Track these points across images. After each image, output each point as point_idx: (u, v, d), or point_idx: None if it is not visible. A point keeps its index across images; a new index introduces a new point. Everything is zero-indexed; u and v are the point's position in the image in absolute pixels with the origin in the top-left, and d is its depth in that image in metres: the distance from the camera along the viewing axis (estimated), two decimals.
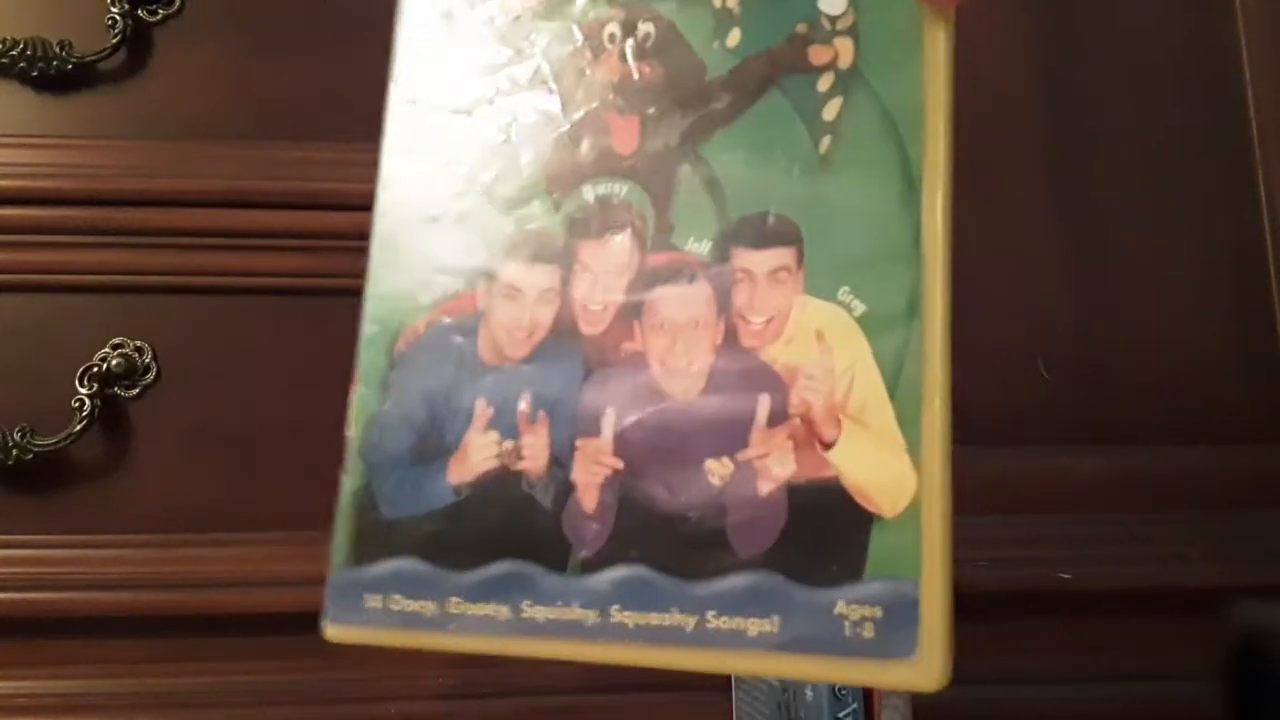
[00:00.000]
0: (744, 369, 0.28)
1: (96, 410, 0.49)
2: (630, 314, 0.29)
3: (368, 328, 0.32)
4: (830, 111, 0.28)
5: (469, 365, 0.31)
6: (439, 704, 0.49)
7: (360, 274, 0.34)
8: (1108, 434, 0.54)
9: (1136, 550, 0.52)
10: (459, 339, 0.31)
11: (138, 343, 0.51)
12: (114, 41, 0.52)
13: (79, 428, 0.49)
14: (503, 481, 0.30)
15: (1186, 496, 0.53)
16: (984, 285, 0.53)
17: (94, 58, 0.52)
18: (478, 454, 0.30)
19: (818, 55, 0.29)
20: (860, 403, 0.26)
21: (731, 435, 0.27)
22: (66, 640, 0.49)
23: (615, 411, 0.29)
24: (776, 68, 0.29)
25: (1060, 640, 0.51)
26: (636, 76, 0.31)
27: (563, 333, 0.30)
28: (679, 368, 0.28)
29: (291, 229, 0.51)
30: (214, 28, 0.54)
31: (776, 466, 0.27)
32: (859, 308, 0.27)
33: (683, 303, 0.29)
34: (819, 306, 0.27)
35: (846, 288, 0.27)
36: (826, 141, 0.28)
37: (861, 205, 0.27)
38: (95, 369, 0.50)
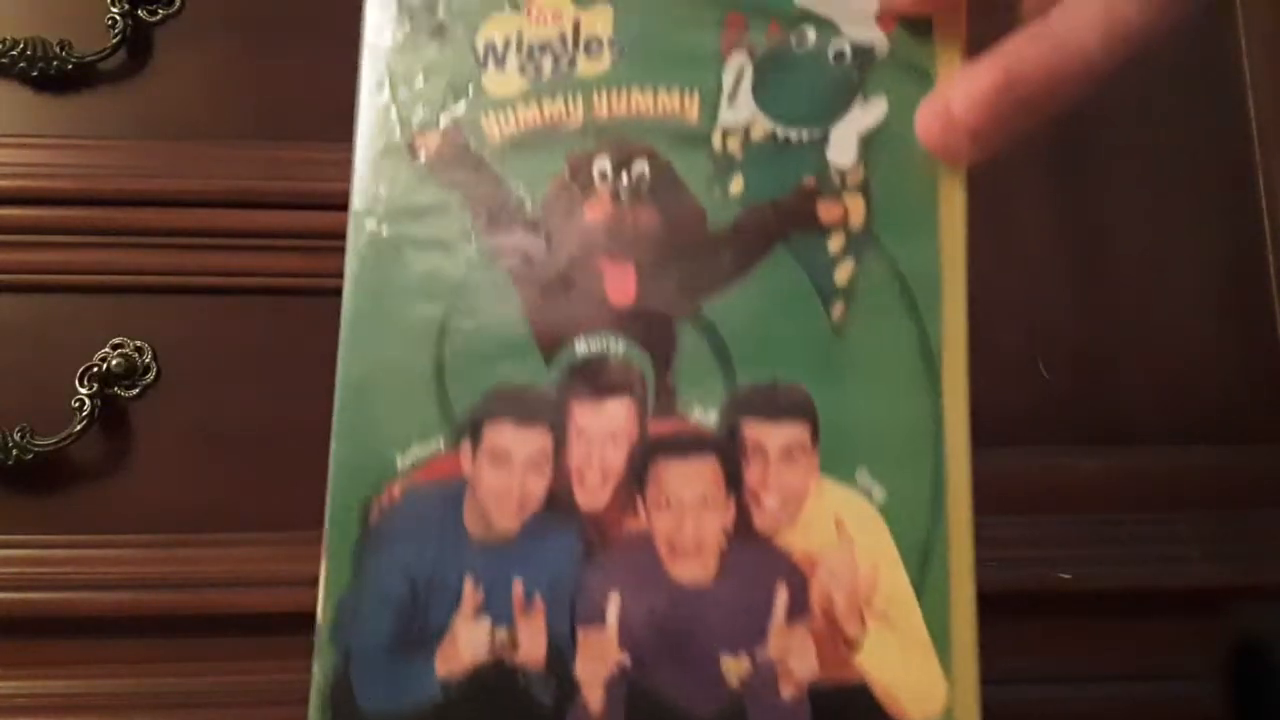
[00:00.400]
0: (759, 556, 0.26)
1: (96, 410, 0.49)
2: (632, 487, 0.27)
3: (334, 495, 0.28)
4: (842, 275, 0.26)
5: (453, 539, 0.27)
6: None
7: None
8: (1108, 434, 0.54)
9: (1136, 550, 0.52)
10: (441, 508, 0.27)
11: (138, 343, 0.51)
12: (114, 41, 0.52)
13: (79, 428, 0.49)
14: (497, 674, 0.26)
15: (1186, 496, 0.53)
16: (984, 285, 0.53)
17: (94, 58, 0.52)
18: (468, 643, 0.27)
19: (827, 212, 0.27)
20: (885, 598, 0.25)
21: (748, 629, 0.25)
22: (66, 640, 0.49)
23: (620, 598, 0.26)
24: (783, 222, 0.27)
25: (1060, 640, 0.51)
26: (630, 220, 0.28)
27: (558, 505, 0.27)
28: (688, 551, 0.26)
29: (291, 229, 0.51)
30: (214, 28, 0.54)
31: (798, 666, 0.25)
32: (880, 494, 0.25)
33: (690, 478, 0.26)
34: (837, 490, 0.26)
35: (865, 470, 0.25)
36: (839, 308, 0.26)
37: (878, 381, 0.26)
38: (95, 369, 0.50)
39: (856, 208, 0.27)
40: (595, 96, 0.28)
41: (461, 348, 0.28)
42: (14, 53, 0.51)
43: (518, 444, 0.27)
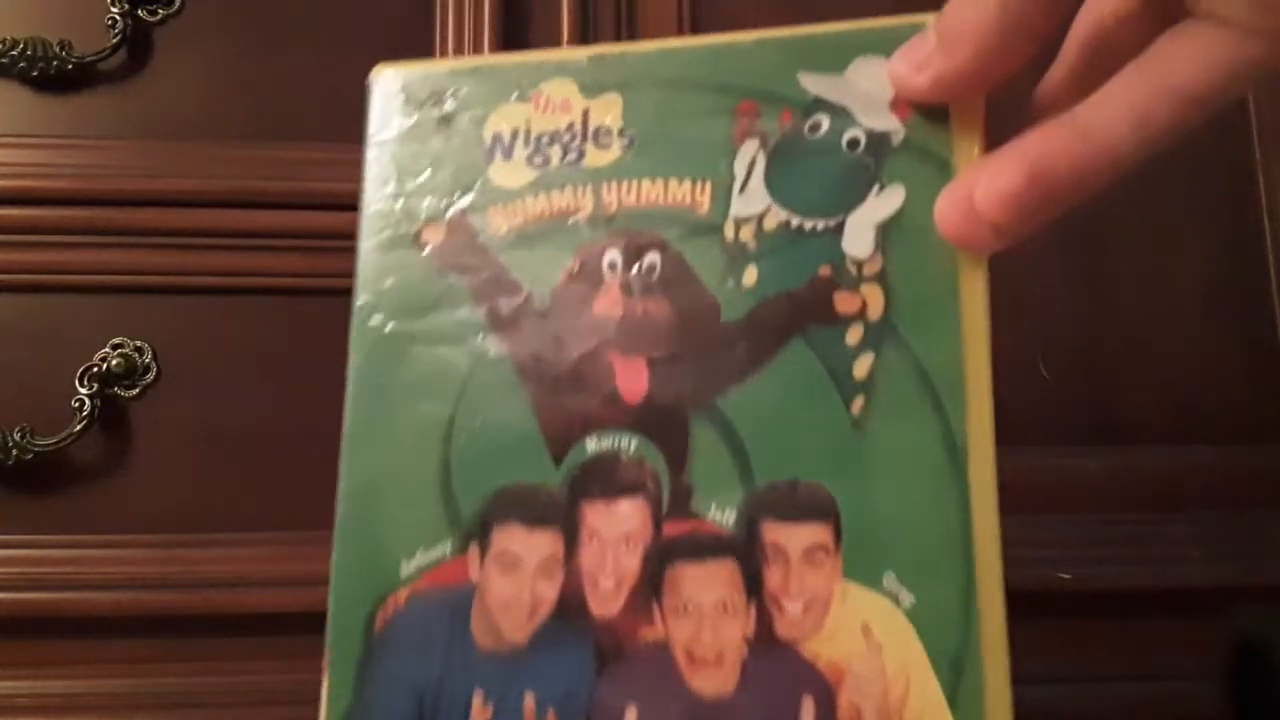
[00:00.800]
0: (782, 665, 0.24)
1: (96, 410, 0.49)
2: (648, 593, 0.25)
3: (336, 604, 0.27)
4: (861, 369, 0.25)
5: (461, 649, 0.26)
6: None
7: None
8: (1108, 434, 0.54)
9: (1136, 550, 0.52)
10: (448, 617, 0.26)
11: (138, 343, 0.51)
12: (114, 41, 0.52)
13: (79, 428, 0.49)
14: None
15: (1186, 496, 0.53)
16: None
17: (94, 58, 0.52)
18: None
19: (844, 303, 0.26)
20: (917, 710, 0.24)
21: None
22: (66, 640, 0.49)
23: (636, 712, 0.25)
24: (799, 314, 0.26)
25: (1060, 640, 0.51)
26: (641, 313, 0.27)
27: (570, 612, 0.25)
28: (707, 660, 0.25)
29: (291, 229, 0.51)
30: (214, 28, 0.54)
31: None
32: (908, 598, 0.24)
33: (708, 583, 0.25)
34: (863, 595, 0.24)
35: (892, 574, 0.24)
36: (859, 403, 0.25)
37: (903, 480, 0.25)
38: (95, 369, 0.50)
39: (875, 299, 0.26)
40: (604, 187, 0.28)
41: (468, 447, 0.27)
42: (14, 53, 0.51)
43: (527, 548, 0.26)
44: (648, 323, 0.27)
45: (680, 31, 0.54)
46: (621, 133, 0.28)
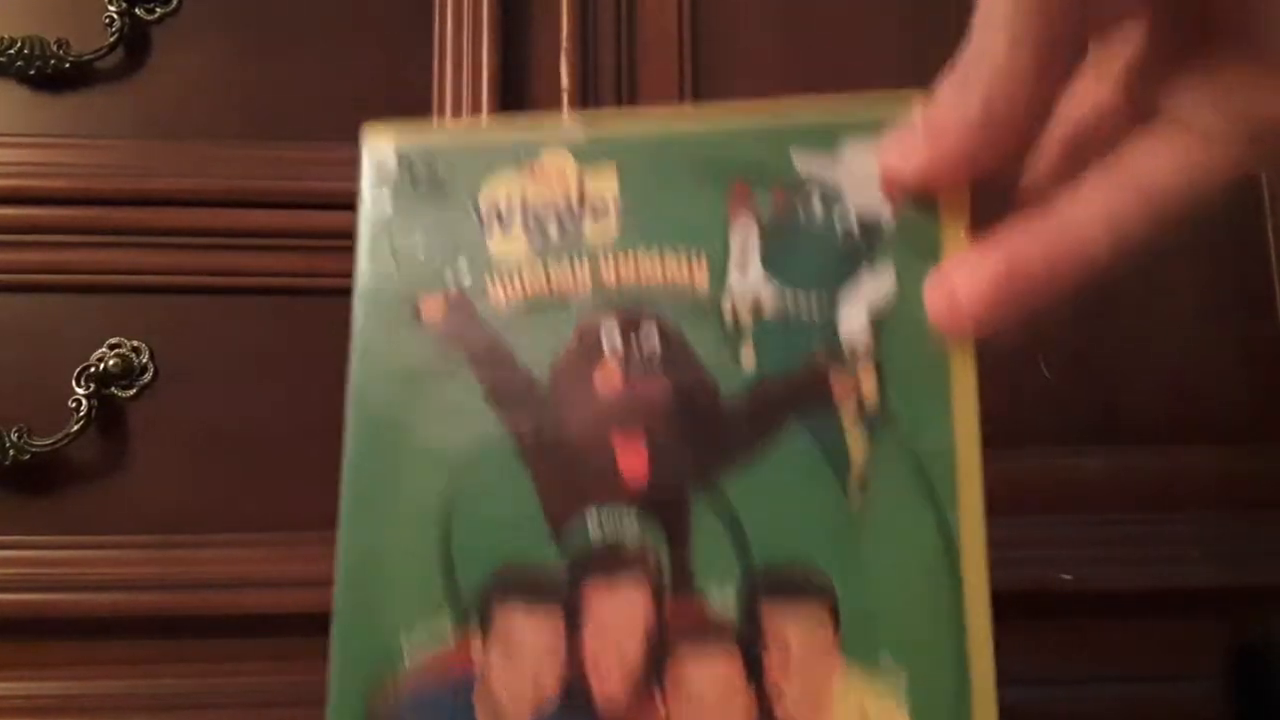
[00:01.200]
0: None
1: (94, 410, 0.49)
2: (650, 678, 0.26)
3: (337, 684, 0.27)
4: (857, 452, 0.26)
5: None
6: None
7: None
8: (1108, 434, 0.54)
9: (1136, 550, 0.52)
10: (449, 706, 0.26)
11: (135, 343, 0.51)
12: (111, 40, 0.52)
13: (76, 428, 0.49)
14: None
15: (1186, 496, 0.53)
16: None
17: (91, 57, 0.52)
18: None
19: (839, 386, 0.26)
20: None
21: None
22: (65, 640, 0.49)
23: None
24: (796, 395, 0.26)
25: (1060, 640, 0.51)
26: (641, 392, 0.27)
27: (574, 699, 0.26)
28: None
29: (290, 229, 0.51)
30: (212, 27, 0.54)
31: None
32: (905, 681, 0.25)
33: (710, 668, 0.25)
34: (860, 675, 0.25)
35: (889, 655, 0.25)
36: (855, 486, 0.26)
37: (898, 564, 0.25)
38: (93, 369, 0.50)
39: (869, 381, 0.26)
40: (602, 262, 0.28)
41: (469, 523, 0.27)
42: (11, 51, 0.51)
43: (529, 630, 0.26)
44: (647, 401, 0.27)
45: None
46: (618, 207, 0.28)
